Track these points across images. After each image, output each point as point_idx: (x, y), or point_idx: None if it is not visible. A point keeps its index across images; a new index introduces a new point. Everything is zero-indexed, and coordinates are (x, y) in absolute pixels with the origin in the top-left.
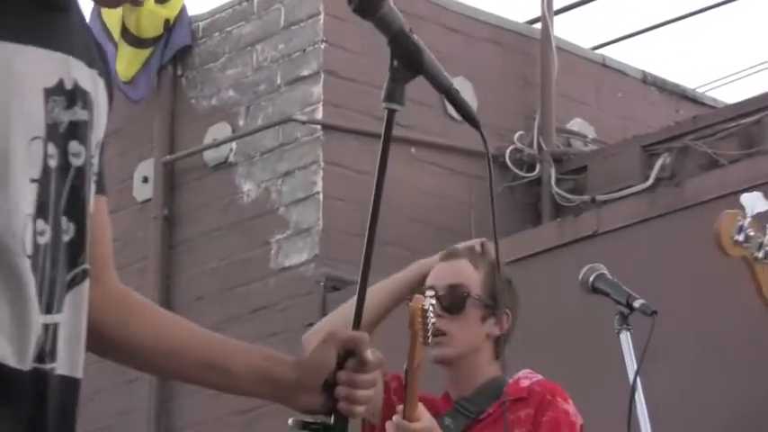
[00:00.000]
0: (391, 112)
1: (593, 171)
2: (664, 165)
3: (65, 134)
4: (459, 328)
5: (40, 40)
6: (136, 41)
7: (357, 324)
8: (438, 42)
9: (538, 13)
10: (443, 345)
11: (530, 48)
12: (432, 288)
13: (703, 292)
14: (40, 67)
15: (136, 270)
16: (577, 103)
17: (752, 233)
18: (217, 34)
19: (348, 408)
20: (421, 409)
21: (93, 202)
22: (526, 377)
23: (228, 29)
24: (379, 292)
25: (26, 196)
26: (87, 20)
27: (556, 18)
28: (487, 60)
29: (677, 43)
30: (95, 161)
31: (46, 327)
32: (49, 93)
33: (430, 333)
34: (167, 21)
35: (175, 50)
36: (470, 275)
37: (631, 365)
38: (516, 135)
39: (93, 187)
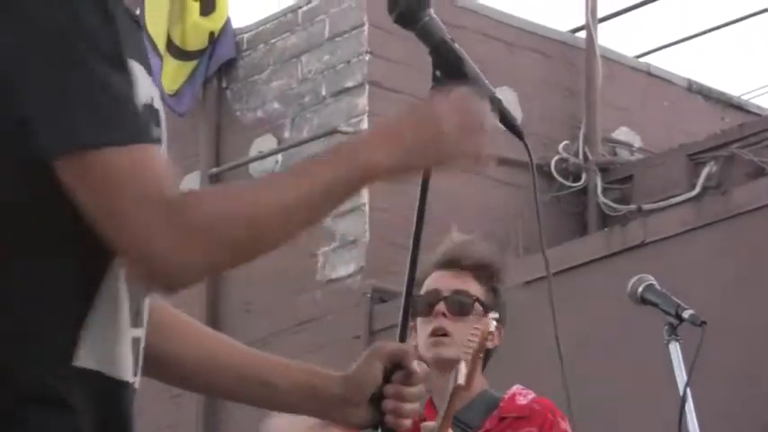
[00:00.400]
0: (426, 180)
1: (639, 180)
2: (710, 173)
3: None
4: (461, 331)
5: (142, 60)
6: (181, 54)
7: (402, 336)
8: (482, 52)
9: (581, 22)
10: (446, 345)
11: (574, 57)
12: (436, 291)
13: (752, 300)
14: (144, 86)
15: None
16: (623, 111)
17: None
18: (261, 46)
19: (395, 421)
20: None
21: None
22: (520, 393)
23: (273, 41)
24: None
25: None
26: None
27: (600, 26)
28: (532, 70)
29: (722, 51)
30: None
31: (136, 340)
32: (147, 108)
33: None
34: (212, 33)
35: (220, 63)
36: (474, 285)
37: (681, 376)
38: (562, 145)
39: None
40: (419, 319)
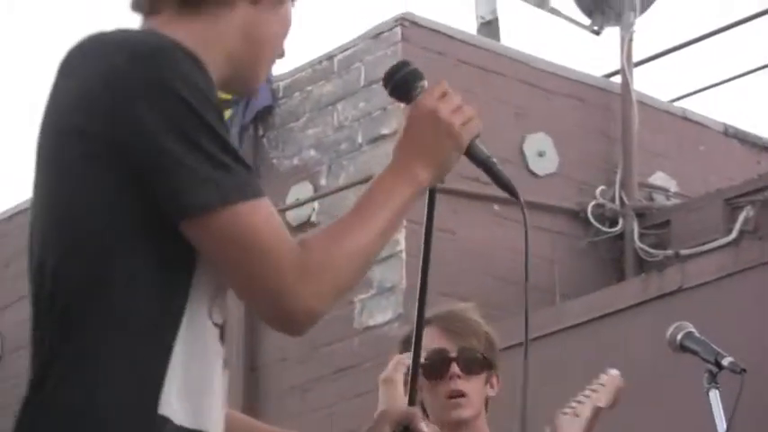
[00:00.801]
0: (432, 192)
1: (676, 225)
2: (747, 218)
3: None
4: (475, 390)
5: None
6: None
7: (412, 400)
8: (519, 98)
9: (616, 66)
10: (464, 406)
11: (610, 101)
12: (443, 350)
13: None
14: None
15: None
16: (659, 156)
17: None
18: (297, 94)
19: None
20: None
21: None
22: None
23: (309, 88)
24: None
25: None
26: None
27: (635, 70)
28: (568, 115)
29: (758, 94)
30: None
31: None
32: None
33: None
34: None
35: (257, 111)
36: (472, 338)
37: (721, 425)
38: (598, 190)
39: None
40: (428, 381)
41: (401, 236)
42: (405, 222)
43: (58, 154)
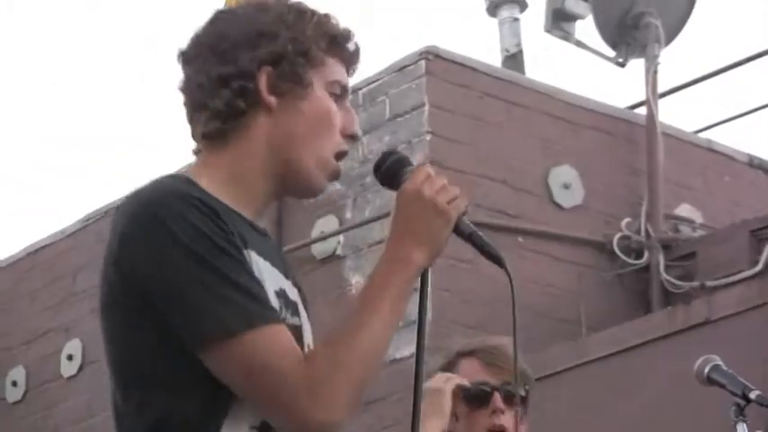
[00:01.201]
0: (425, 272)
1: (702, 257)
2: None
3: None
4: (512, 425)
5: (265, 255)
6: None
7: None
8: (544, 130)
9: (640, 97)
10: None
11: (635, 133)
12: (485, 384)
13: None
14: (272, 277)
15: None
16: (684, 188)
17: None
18: None
19: None
20: None
21: None
22: None
23: None
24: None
25: None
26: None
27: (659, 101)
28: (593, 147)
29: None
30: None
31: None
32: (277, 294)
33: None
34: None
35: None
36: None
37: None
38: (624, 222)
39: None
40: (468, 411)
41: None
42: None
43: (101, 301)
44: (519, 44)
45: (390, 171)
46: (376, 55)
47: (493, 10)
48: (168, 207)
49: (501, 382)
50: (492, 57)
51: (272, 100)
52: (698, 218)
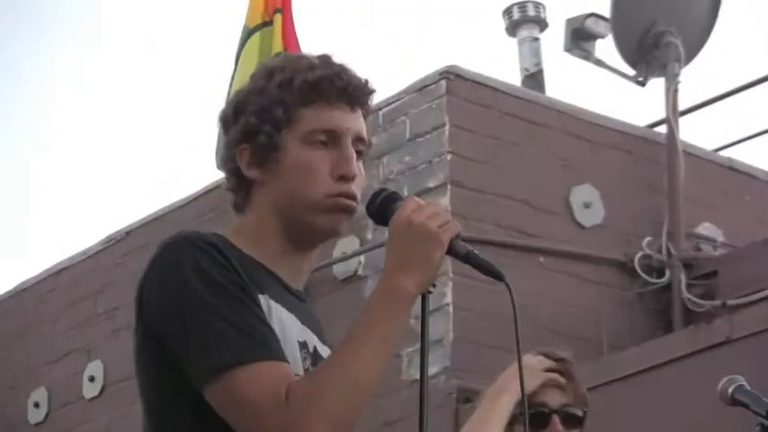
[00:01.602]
0: (424, 296)
1: (723, 275)
2: None
3: None
4: None
5: (290, 307)
6: None
7: None
8: (564, 150)
9: (660, 115)
10: None
11: (655, 152)
12: (544, 406)
13: None
14: (295, 328)
15: None
16: (705, 206)
17: None
18: None
19: None
20: None
21: None
22: None
23: None
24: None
25: None
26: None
27: (679, 119)
28: (613, 166)
29: None
30: None
31: None
32: (300, 345)
33: None
34: None
35: None
36: (573, 395)
37: None
38: (645, 241)
39: None
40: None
41: (448, 289)
42: (451, 275)
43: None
44: (539, 63)
45: (382, 208)
46: (396, 75)
47: (512, 30)
48: (181, 250)
49: (561, 403)
50: (512, 76)
51: (254, 173)
52: (719, 236)
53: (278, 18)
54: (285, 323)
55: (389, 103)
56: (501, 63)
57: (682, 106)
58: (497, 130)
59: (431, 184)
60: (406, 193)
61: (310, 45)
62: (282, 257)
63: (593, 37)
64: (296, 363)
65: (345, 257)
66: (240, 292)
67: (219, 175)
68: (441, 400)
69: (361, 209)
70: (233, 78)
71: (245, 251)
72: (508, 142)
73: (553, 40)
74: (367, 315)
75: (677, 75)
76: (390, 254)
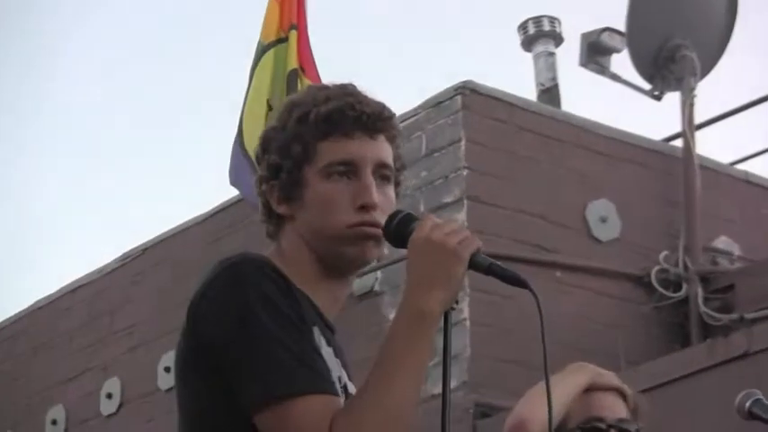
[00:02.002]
0: (447, 314)
1: (740, 289)
2: None
3: None
4: None
5: (331, 344)
6: None
7: None
8: (581, 164)
9: (676, 129)
10: None
11: (671, 165)
12: (601, 420)
13: None
14: (333, 363)
15: None
16: (721, 220)
17: None
18: None
19: None
20: None
21: None
22: None
23: None
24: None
25: None
26: (231, 147)
27: (695, 133)
28: (630, 180)
29: None
30: None
31: None
32: (338, 379)
33: None
34: None
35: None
36: (627, 409)
37: None
38: (662, 255)
39: None
40: None
41: (465, 304)
42: (468, 290)
43: (176, 350)
44: (554, 78)
45: (399, 230)
46: (411, 91)
47: (528, 45)
48: (246, 274)
49: (617, 418)
50: (527, 91)
51: (282, 209)
52: (736, 250)
53: (293, 35)
54: (326, 358)
55: (405, 119)
56: (516, 78)
57: (698, 120)
58: (513, 144)
59: (447, 200)
60: (422, 209)
61: (325, 62)
62: (320, 286)
63: (608, 51)
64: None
65: (362, 273)
66: (300, 323)
67: (234, 192)
68: (458, 416)
69: None
70: (247, 95)
71: (290, 278)
72: (524, 157)
73: (569, 54)
74: (396, 341)
75: (693, 88)
76: (412, 274)
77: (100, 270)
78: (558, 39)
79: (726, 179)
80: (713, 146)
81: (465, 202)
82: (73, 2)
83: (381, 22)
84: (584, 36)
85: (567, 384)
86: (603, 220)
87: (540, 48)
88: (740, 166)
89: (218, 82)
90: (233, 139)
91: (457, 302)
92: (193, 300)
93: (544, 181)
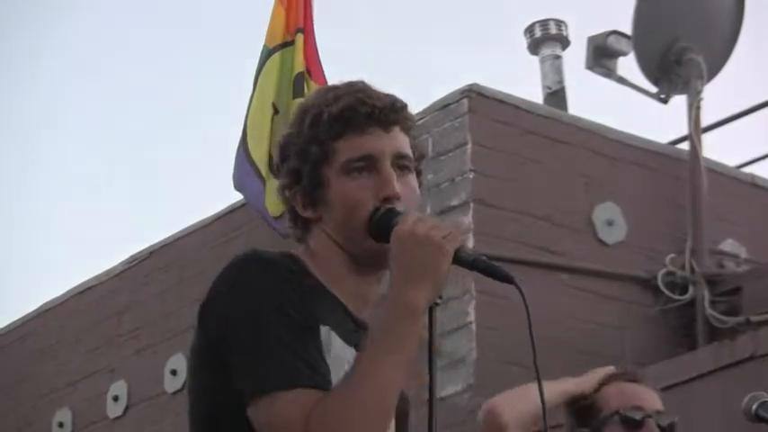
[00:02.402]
0: (431, 309)
1: (747, 292)
2: None
3: None
4: None
5: (353, 343)
6: None
7: None
8: (587, 167)
9: (683, 132)
10: None
11: (678, 168)
12: (640, 409)
13: None
14: (342, 354)
15: None
16: (728, 223)
17: None
18: None
19: None
20: None
21: None
22: None
23: None
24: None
25: None
26: (235, 157)
27: (702, 136)
28: (636, 183)
29: None
30: None
31: None
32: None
33: None
34: None
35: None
36: (661, 403)
37: None
38: (668, 258)
39: None
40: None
41: (471, 307)
42: (474, 293)
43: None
44: (561, 81)
45: (381, 224)
46: (417, 94)
47: (534, 48)
48: (253, 270)
49: (655, 410)
50: (534, 94)
51: (308, 213)
52: (742, 253)
53: (299, 38)
54: (340, 357)
55: None
56: (523, 81)
57: (704, 123)
58: (520, 147)
59: (453, 203)
60: (429, 212)
61: (331, 64)
62: (349, 285)
63: (615, 54)
64: None
65: None
66: (302, 322)
67: (241, 195)
68: (464, 418)
69: None
70: (252, 99)
71: (317, 277)
72: (530, 160)
73: (575, 57)
74: (380, 334)
75: (699, 91)
76: (396, 267)
77: (107, 272)
78: (564, 42)
79: (732, 182)
80: (720, 149)
81: (471, 204)
82: (73, 2)
83: (387, 24)
84: (591, 39)
85: (554, 392)
86: (610, 222)
87: (546, 51)
88: (747, 169)
89: (225, 84)
90: (237, 144)
91: (440, 297)
92: (207, 291)
93: (550, 184)
